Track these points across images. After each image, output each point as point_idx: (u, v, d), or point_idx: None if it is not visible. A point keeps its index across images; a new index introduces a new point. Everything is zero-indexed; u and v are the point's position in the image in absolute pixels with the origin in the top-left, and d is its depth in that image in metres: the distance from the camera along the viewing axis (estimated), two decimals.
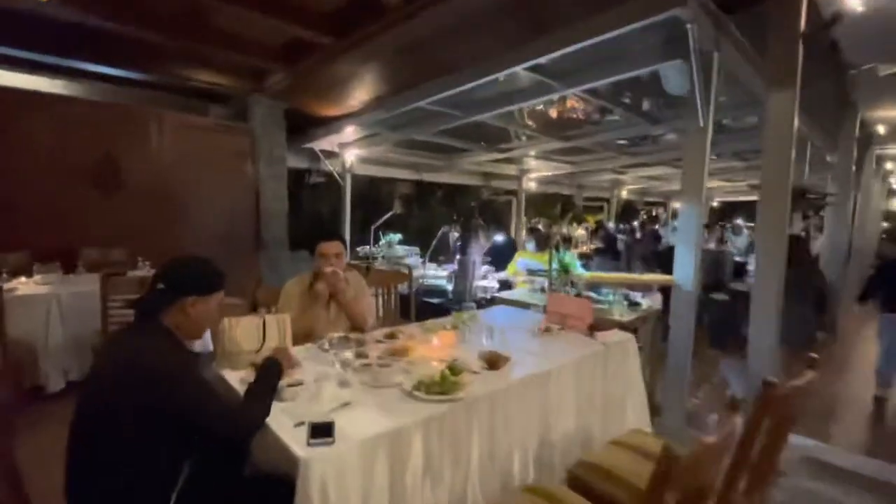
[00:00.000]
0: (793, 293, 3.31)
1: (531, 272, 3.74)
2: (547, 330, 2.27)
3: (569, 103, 5.65)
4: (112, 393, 1.13)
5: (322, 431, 1.17)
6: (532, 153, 7.35)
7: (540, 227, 8.41)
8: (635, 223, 13.52)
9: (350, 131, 5.78)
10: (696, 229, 3.34)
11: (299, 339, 1.96)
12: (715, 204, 17.79)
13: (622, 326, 3.04)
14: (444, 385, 1.46)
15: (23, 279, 3.20)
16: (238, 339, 1.67)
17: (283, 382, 1.42)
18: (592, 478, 1.59)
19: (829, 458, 2.99)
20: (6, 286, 2.85)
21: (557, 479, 1.80)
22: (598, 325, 2.29)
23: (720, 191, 13.83)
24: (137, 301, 1.28)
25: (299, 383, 1.43)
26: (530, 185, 9.84)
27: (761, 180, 3.13)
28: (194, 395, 1.17)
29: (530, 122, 5.67)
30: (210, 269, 1.37)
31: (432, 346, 1.95)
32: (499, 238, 4.74)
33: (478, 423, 1.47)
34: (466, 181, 9.89)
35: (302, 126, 6.09)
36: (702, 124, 3.06)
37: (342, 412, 1.31)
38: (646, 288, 3.66)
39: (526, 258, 4.22)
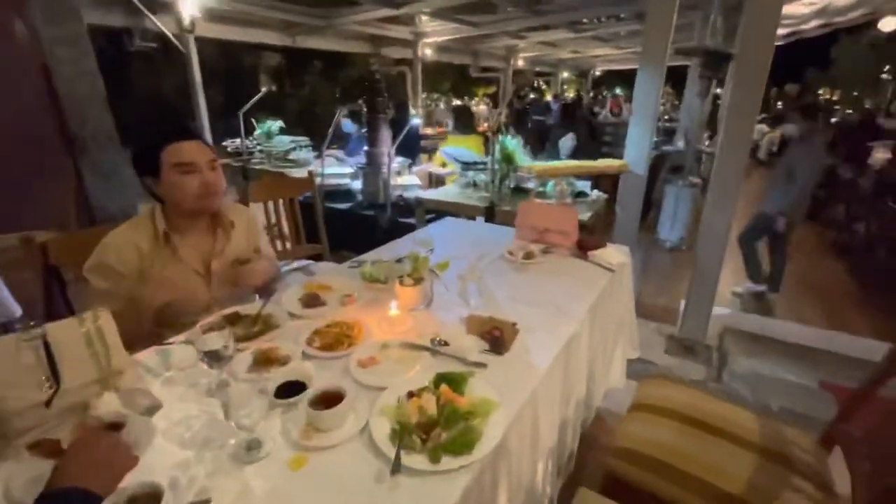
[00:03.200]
0: None
1: (466, 165, 3.01)
2: (528, 256, 1.67)
3: None
4: None
5: None
6: (428, 10, 6.06)
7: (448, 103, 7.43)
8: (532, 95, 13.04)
9: None
10: (655, 102, 2.84)
11: (148, 340, 1.10)
12: (598, 73, 18.00)
13: (582, 227, 2.60)
14: (449, 423, 0.80)
15: None
16: None
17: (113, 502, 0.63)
18: (640, 475, 1.14)
19: (749, 327, 3.15)
20: None
21: (567, 454, 1.37)
22: (588, 241, 1.76)
23: (605, 59, 13.68)
24: None
25: (155, 496, 0.65)
26: (426, 52, 8.50)
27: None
28: None
29: None
30: None
31: (388, 317, 1.22)
32: (415, 121, 3.81)
33: (507, 468, 0.87)
34: (351, 48, 8.18)
35: None
36: None
37: None
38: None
39: (451, 146, 3.45)
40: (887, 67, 13.73)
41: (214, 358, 0.89)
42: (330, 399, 0.85)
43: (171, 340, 1.12)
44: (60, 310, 1.40)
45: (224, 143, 4.91)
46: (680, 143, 6.56)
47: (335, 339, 1.10)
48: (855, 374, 1.21)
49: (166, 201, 1.28)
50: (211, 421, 0.85)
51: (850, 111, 15.06)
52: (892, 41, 12.70)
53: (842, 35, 14.79)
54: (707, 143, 6.76)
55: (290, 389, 0.93)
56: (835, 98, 18.90)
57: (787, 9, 4.68)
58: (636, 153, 2.93)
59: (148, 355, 1.06)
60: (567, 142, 3.80)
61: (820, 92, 19.92)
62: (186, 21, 4.57)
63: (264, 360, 1.02)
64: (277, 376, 0.96)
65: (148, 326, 1.21)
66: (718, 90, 5.72)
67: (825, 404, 2.21)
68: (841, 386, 2.32)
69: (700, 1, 5.44)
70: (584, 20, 7.32)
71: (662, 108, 12.16)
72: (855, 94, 16.50)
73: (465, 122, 3.67)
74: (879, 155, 6.00)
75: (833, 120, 12.22)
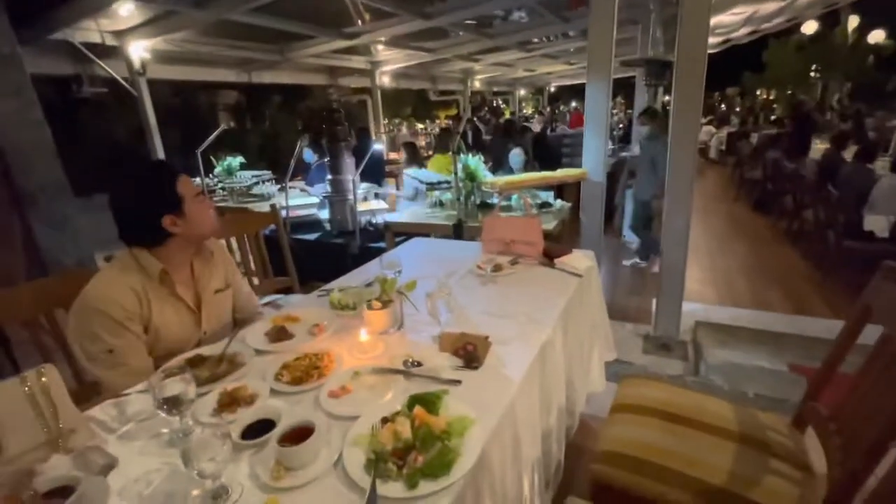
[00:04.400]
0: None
1: (431, 186, 3.04)
2: (497, 268, 1.68)
3: None
4: None
5: None
6: (382, 38, 6.18)
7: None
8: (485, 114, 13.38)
9: (128, 11, 3.90)
10: (605, 112, 2.95)
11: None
12: (552, 89, 18.65)
13: (548, 236, 2.64)
14: (424, 445, 0.78)
15: None
16: None
17: None
18: (625, 477, 1.13)
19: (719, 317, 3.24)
20: None
21: (554, 465, 1.36)
22: (553, 249, 1.78)
23: (558, 75, 14.15)
24: None
25: None
26: (384, 80, 8.63)
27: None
28: None
29: None
30: None
31: (359, 343, 1.20)
32: (377, 147, 3.82)
33: (490, 485, 0.85)
34: (308, 80, 8.23)
35: (38, 6, 3.94)
36: None
37: None
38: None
39: (413, 169, 3.48)
40: (814, 66, 14.83)
41: (174, 404, 0.85)
42: (300, 435, 0.81)
43: (126, 391, 1.05)
44: (5, 370, 1.30)
45: None
46: (636, 149, 6.81)
47: (304, 372, 1.06)
48: (820, 354, 1.25)
49: (181, 236, 1.24)
50: (171, 473, 0.80)
51: (784, 108, 16.11)
52: (815, 42, 13.73)
53: (771, 40, 15.90)
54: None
55: (258, 429, 0.89)
56: (772, 98, 20.20)
57: (718, 18, 5.01)
58: (593, 161, 3.02)
59: (102, 409, 1.00)
60: (516, 157, 3.94)
61: (758, 92, 21.24)
62: (137, 64, 4.50)
63: (230, 401, 0.97)
64: (244, 417, 0.91)
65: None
66: (667, 97, 6.04)
67: (797, 386, 2.27)
68: (808, 367, 2.40)
69: (639, 16, 5.77)
70: (534, 39, 7.62)
71: (616, 116, 12.68)
72: (789, 92, 17.68)
73: (446, 143, 3.81)
74: (819, 146, 6.46)
75: (773, 118, 13.02)
